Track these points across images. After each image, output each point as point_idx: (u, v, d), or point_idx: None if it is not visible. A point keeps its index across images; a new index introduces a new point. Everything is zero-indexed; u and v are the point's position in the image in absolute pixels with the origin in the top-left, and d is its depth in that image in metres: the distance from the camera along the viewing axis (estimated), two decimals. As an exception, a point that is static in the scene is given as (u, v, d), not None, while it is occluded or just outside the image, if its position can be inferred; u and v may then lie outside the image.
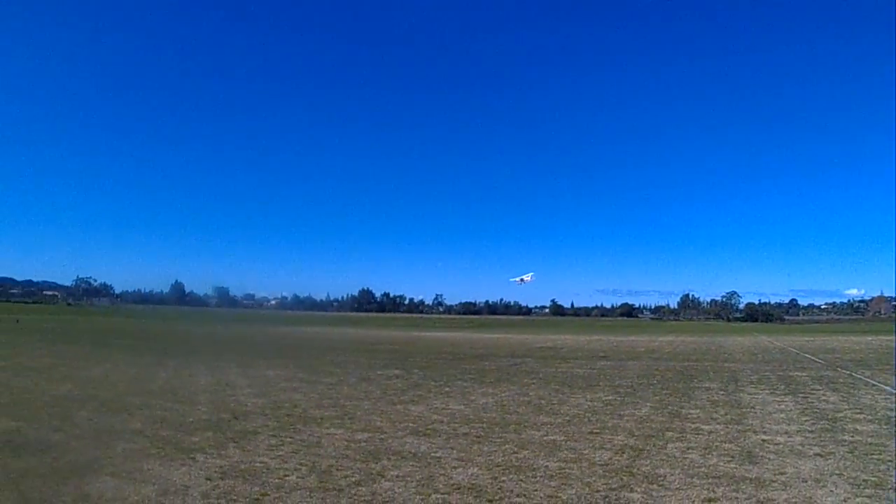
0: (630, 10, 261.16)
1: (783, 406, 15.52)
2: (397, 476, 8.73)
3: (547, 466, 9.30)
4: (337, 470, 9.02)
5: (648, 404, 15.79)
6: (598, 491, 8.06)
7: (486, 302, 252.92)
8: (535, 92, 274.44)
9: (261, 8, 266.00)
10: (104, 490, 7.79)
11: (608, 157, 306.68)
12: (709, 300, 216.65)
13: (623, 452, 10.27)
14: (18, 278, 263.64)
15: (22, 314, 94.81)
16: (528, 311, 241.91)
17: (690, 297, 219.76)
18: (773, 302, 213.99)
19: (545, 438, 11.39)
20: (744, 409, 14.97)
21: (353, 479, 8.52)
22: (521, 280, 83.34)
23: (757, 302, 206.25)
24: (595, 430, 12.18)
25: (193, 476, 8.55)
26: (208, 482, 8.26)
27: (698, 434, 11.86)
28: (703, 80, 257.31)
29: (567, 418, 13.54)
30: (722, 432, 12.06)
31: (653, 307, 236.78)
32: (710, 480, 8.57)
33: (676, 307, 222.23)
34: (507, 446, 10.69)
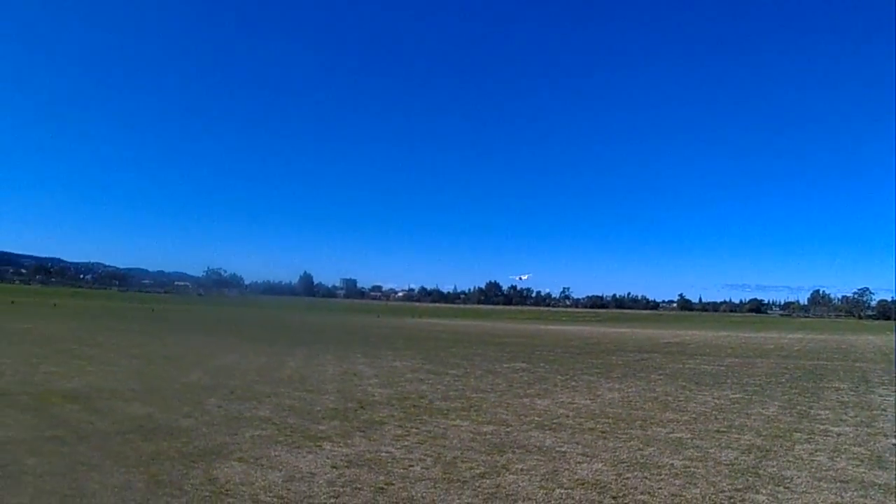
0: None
1: (917, 409, 15.47)
2: (521, 469, 9.30)
3: (672, 464, 9.75)
4: (462, 462, 9.68)
5: (776, 403, 16.24)
6: (722, 491, 8.39)
7: (614, 295, 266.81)
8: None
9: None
10: (231, 475, 8.67)
11: (734, 150, 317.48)
12: (840, 297, 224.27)
13: (749, 452, 10.66)
14: (150, 269, 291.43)
15: (154, 304, 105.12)
16: (655, 306, 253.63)
17: (821, 293, 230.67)
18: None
19: (671, 436, 11.93)
20: (874, 412, 15.23)
21: (478, 472, 9.12)
22: (520, 279, 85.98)
23: (890, 299, 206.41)
24: (721, 429, 12.67)
25: (319, 464, 9.35)
26: (334, 470, 9.02)
27: (827, 436, 12.18)
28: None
29: (693, 416, 14.27)
30: (851, 435, 12.33)
31: (782, 303, 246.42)
32: (837, 485, 8.76)
33: (806, 303, 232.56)
34: (632, 443, 11.26)
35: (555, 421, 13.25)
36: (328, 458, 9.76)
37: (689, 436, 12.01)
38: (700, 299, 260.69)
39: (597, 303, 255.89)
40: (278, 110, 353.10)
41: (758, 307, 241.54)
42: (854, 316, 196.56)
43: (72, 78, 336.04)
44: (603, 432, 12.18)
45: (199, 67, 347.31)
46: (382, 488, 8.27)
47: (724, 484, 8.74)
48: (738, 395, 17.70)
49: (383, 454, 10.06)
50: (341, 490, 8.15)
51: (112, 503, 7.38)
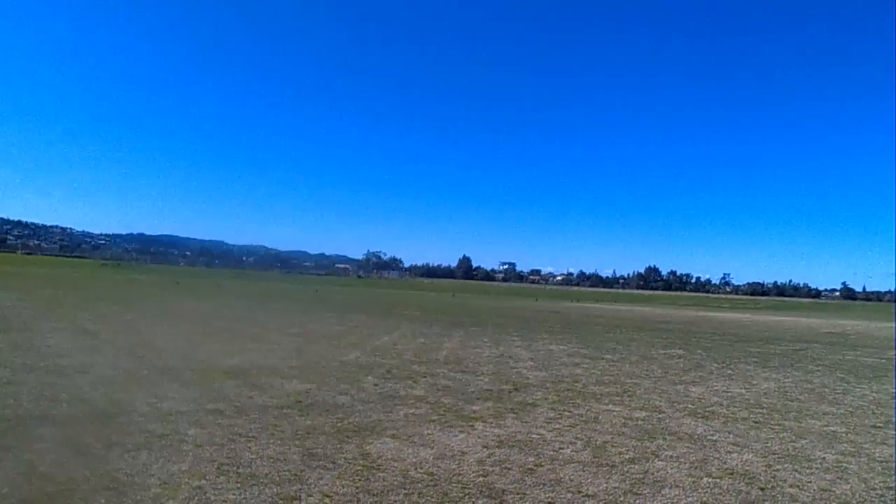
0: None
1: None
2: (671, 456, 9.43)
3: (824, 458, 9.73)
4: (612, 446, 9.89)
5: None
6: (874, 489, 8.31)
7: (774, 283, 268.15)
8: None
9: None
10: (384, 450, 9.09)
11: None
12: None
13: None
14: (311, 252, 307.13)
15: (315, 286, 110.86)
16: (817, 294, 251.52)
17: None
18: None
19: (825, 429, 11.90)
20: None
21: (627, 457, 9.30)
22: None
23: None
24: (878, 424, 12.52)
25: (470, 443, 9.67)
26: (485, 450, 9.32)
27: None
28: None
29: (850, 409, 14.25)
30: None
31: None
32: None
33: None
34: (784, 434, 11.28)
35: (708, 409, 13.43)
36: (479, 437, 10.07)
37: (843, 430, 11.91)
38: (864, 288, 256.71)
39: (757, 290, 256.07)
40: (438, 96, 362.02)
41: None
42: None
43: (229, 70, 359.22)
44: (756, 422, 12.26)
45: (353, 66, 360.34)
46: (531, 469, 8.49)
47: (877, 481, 8.65)
48: None
49: (534, 436, 10.33)
50: (490, 469, 8.40)
51: (266, 473, 7.90)
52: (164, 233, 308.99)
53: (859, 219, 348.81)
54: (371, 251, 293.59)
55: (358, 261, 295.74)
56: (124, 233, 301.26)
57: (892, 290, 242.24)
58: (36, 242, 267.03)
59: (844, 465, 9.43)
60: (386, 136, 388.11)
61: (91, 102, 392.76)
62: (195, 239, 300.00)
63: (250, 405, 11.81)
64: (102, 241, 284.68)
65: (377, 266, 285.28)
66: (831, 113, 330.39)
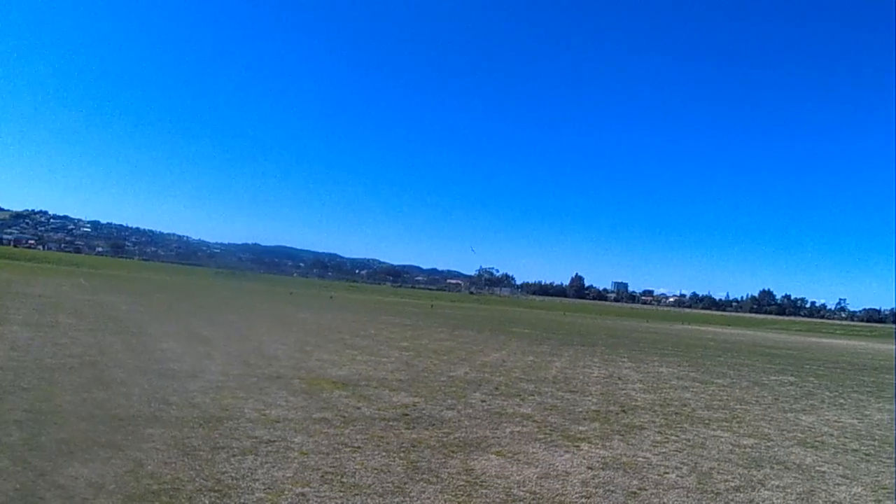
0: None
1: None
2: (777, 486, 9.26)
3: None
4: (718, 473, 9.73)
5: None
6: None
7: (892, 310, 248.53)
8: None
9: None
10: (488, 467, 9.08)
11: None
12: None
13: None
14: (424, 266, 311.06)
15: (428, 300, 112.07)
16: None
17: None
18: None
19: None
20: None
21: (733, 485, 9.13)
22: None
23: None
24: None
25: (575, 463, 9.61)
26: (589, 471, 9.25)
27: None
28: None
29: None
30: None
31: None
32: None
33: None
34: None
35: (818, 439, 13.14)
36: (584, 458, 10.00)
37: None
38: None
39: (874, 316, 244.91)
40: (557, 112, 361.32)
41: None
42: None
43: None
44: (867, 454, 11.98)
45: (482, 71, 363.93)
46: (635, 493, 8.40)
47: None
48: None
49: (640, 459, 10.23)
50: (593, 491, 8.34)
51: (369, 483, 8.00)
52: (279, 244, 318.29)
53: None
54: (483, 267, 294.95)
55: (470, 276, 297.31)
56: (239, 242, 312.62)
57: None
58: (153, 249, 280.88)
59: (958, 504, 8.99)
60: (500, 153, 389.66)
61: (211, 110, 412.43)
62: (309, 251, 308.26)
63: (357, 416, 11.99)
64: (217, 250, 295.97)
65: (489, 282, 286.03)
66: None
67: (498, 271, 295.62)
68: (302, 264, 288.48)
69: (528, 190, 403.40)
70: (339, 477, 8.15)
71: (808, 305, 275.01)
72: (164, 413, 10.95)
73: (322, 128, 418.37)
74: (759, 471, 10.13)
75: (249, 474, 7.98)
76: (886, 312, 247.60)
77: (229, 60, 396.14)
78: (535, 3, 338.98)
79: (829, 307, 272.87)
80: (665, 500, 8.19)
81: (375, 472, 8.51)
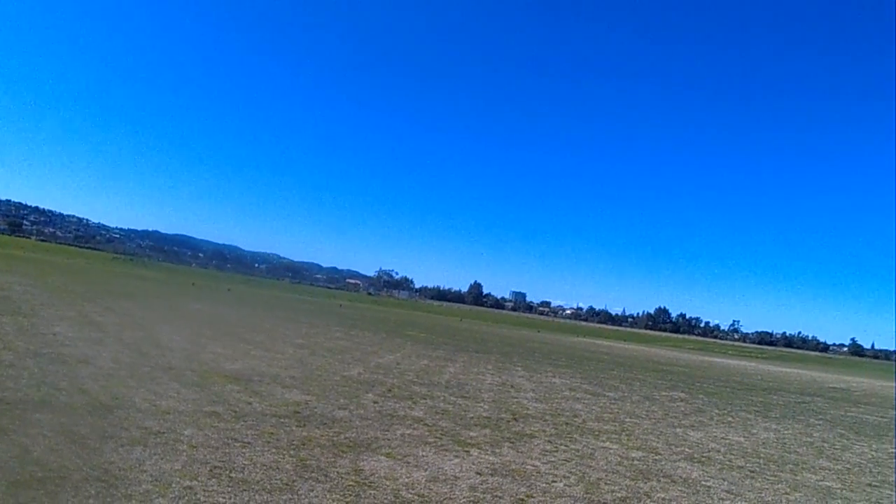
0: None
1: None
2: (663, 499, 9.48)
3: None
4: (605, 483, 9.90)
5: None
6: None
7: (784, 333, 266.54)
8: None
9: None
10: (378, 468, 9.08)
11: None
12: None
13: None
14: (324, 264, 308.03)
15: (326, 299, 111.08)
16: (825, 348, 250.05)
17: None
18: None
19: (820, 483, 12.00)
20: None
21: (619, 496, 9.32)
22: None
23: None
24: (874, 483, 12.61)
25: (464, 468, 9.67)
26: (478, 476, 9.34)
27: None
28: None
29: (847, 466, 14.40)
30: None
31: None
32: None
33: None
34: (779, 486, 11.36)
35: (705, 454, 13.47)
36: (474, 463, 10.08)
37: (839, 486, 11.98)
38: (873, 346, 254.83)
39: (765, 339, 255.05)
40: (458, 120, 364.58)
41: None
42: None
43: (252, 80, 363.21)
44: (751, 471, 12.34)
45: (381, 81, 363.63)
46: (522, 500, 8.51)
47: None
48: None
49: (528, 467, 10.34)
50: (481, 496, 8.42)
51: (258, 479, 7.91)
52: (179, 232, 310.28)
53: (873, 276, 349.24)
54: (383, 269, 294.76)
55: (369, 277, 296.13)
56: (139, 229, 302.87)
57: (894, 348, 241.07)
58: (51, 230, 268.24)
59: (836, 521, 9.35)
60: (404, 154, 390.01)
61: (117, 95, 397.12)
62: (209, 241, 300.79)
63: (248, 411, 11.83)
64: (117, 235, 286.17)
65: (388, 284, 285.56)
66: (854, 169, 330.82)
67: (398, 274, 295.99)
68: (201, 255, 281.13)
69: (430, 194, 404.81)
70: (227, 472, 8.04)
71: (702, 325, 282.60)
72: (53, 398, 10.60)
73: (226, 119, 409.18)
74: (645, 483, 10.34)
75: (137, 465, 7.80)
76: (777, 336, 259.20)
77: (137, 44, 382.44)
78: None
79: (722, 328, 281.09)
80: None
81: (264, 468, 8.42)
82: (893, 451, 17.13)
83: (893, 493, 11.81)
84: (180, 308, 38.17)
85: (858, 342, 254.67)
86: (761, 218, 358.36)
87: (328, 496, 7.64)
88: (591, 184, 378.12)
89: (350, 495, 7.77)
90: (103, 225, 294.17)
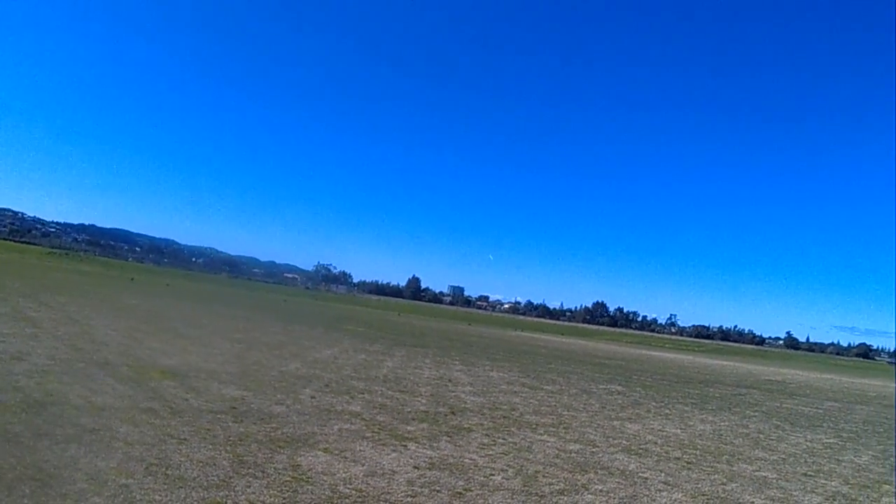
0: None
1: None
2: (601, 490, 9.52)
3: (752, 503, 9.91)
4: (543, 476, 9.93)
5: (870, 453, 16.27)
6: None
7: (720, 327, 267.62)
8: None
9: None
10: (315, 463, 9.02)
11: (855, 195, 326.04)
12: None
13: (834, 500, 10.77)
14: (262, 259, 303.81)
15: (263, 293, 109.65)
16: (761, 341, 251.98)
17: None
18: None
19: (756, 474, 12.09)
20: None
21: (557, 488, 9.35)
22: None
23: None
24: (809, 473, 12.79)
25: (402, 463, 9.65)
26: (415, 470, 9.32)
27: None
28: None
29: (783, 456, 14.47)
30: None
31: (892, 350, 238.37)
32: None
33: None
34: (716, 476, 11.43)
35: (642, 446, 13.51)
36: (411, 458, 10.05)
37: (774, 476, 12.11)
38: (808, 339, 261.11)
39: (702, 333, 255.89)
40: (395, 112, 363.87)
41: (865, 352, 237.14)
42: None
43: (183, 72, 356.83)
44: (688, 463, 12.41)
45: (324, 73, 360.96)
46: (460, 493, 8.50)
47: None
48: (831, 440, 17.79)
49: (466, 461, 10.32)
50: (419, 490, 8.40)
51: (194, 476, 7.79)
52: (116, 226, 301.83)
53: (807, 270, 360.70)
54: (321, 263, 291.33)
55: (307, 272, 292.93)
56: (76, 222, 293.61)
57: (835, 342, 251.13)
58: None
59: (772, 510, 9.44)
60: (341, 147, 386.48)
61: (51, 87, 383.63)
62: (146, 235, 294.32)
63: (185, 407, 11.64)
64: (53, 229, 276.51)
65: (326, 279, 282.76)
66: (787, 165, 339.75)
67: (336, 268, 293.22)
68: (138, 249, 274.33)
69: (368, 189, 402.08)
70: (163, 469, 7.90)
71: (639, 319, 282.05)
72: (-18, 397, 10.22)
73: (161, 112, 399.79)
74: (583, 475, 10.36)
75: (72, 463, 7.62)
76: (714, 329, 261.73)
77: (66, 35, 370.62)
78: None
79: (659, 322, 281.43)
80: (490, 502, 8.31)
81: (201, 465, 8.30)
82: (827, 441, 17.46)
83: (827, 483, 11.94)
84: (117, 303, 37.25)
85: (794, 335, 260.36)
86: (697, 213, 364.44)
87: (265, 492, 7.56)
88: (527, 179, 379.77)
89: (287, 491, 7.70)
90: (39, 219, 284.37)
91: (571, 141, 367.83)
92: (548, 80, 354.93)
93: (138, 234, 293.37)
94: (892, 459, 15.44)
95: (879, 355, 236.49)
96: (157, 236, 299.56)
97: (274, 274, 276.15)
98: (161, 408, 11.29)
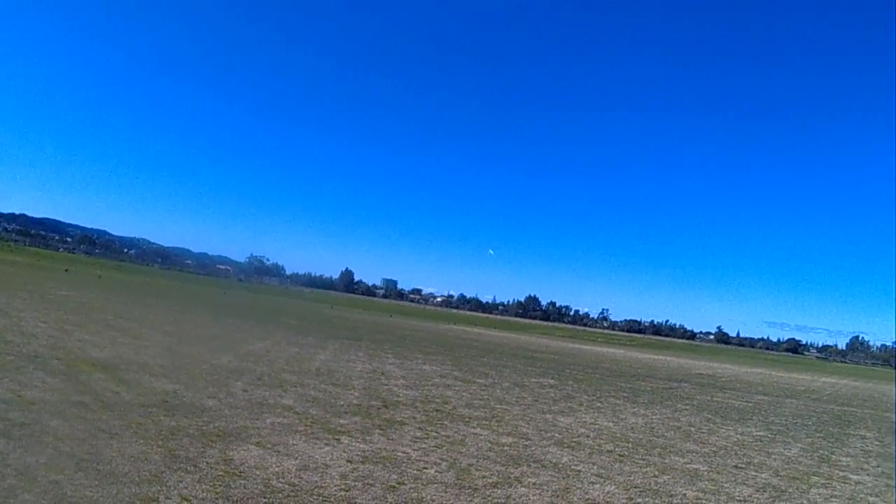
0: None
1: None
2: (534, 484, 9.48)
3: (684, 494, 9.92)
4: (476, 470, 9.87)
5: (799, 445, 16.50)
6: None
7: (652, 322, 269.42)
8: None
9: None
10: (248, 458, 8.88)
11: (782, 190, 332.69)
12: (879, 345, 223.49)
13: (764, 491, 10.81)
14: (194, 250, 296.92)
15: (196, 285, 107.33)
16: (692, 336, 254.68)
17: (860, 339, 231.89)
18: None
19: (688, 466, 12.13)
20: None
21: (490, 481, 9.31)
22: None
23: None
24: (740, 465, 12.86)
25: (335, 456, 9.56)
26: (349, 464, 9.24)
27: (845, 483, 12.37)
28: None
29: (714, 449, 14.47)
30: (870, 484, 12.50)
31: (820, 346, 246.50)
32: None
33: (844, 349, 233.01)
34: (648, 469, 11.45)
35: (574, 440, 13.48)
36: (344, 451, 9.97)
37: (706, 468, 12.15)
38: (738, 334, 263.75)
39: (634, 327, 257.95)
40: (335, 110, 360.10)
41: (795, 347, 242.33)
42: (892, 366, 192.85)
43: (126, 59, 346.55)
44: (621, 455, 12.40)
45: (260, 66, 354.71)
46: (394, 487, 8.44)
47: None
48: (761, 433, 17.92)
49: (399, 454, 10.25)
50: (353, 484, 8.33)
51: (126, 472, 7.61)
52: (47, 216, 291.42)
53: (738, 265, 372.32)
54: (254, 255, 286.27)
55: (240, 264, 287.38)
56: (5, 212, 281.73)
57: (765, 337, 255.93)
58: None
59: (704, 502, 9.65)
60: (273, 138, 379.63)
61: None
62: (77, 225, 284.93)
63: (116, 401, 11.37)
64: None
65: (259, 271, 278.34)
66: (716, 159, 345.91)
67: (269, 260, 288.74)
68: (70, 239, 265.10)
69: (301, 180, 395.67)
70: (94, 464, 7.71)
71: (572, 313, 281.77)
72: None
73: (92, 102, 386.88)
74: (516, 468, 10.27)
75: (1, 459, 7.39)
76: (646, 324, 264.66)
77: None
78: None
79: (592, 316, 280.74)
80: (423, 495, 8.26)
81: (133, 459, 8.11)
82: (758, 434, 17.62)
83: (757, 475, 12.02)
84: (47, 294, 36.00)
85: (724, 330, 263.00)
86: (628, 208, 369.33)
87: (198, 487, 7.44)
88: (459, 172, 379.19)
89: (220, 486, 7.59)
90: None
91: (501, 135, 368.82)
92: (482, 70, 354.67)
93: (70, 225, 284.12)
94: (821, 452, 15.70)
95: (808, 350, 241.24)
96: (89, 227, 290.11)
97: (206, 265, 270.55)
98: (92, 401, 11.01)
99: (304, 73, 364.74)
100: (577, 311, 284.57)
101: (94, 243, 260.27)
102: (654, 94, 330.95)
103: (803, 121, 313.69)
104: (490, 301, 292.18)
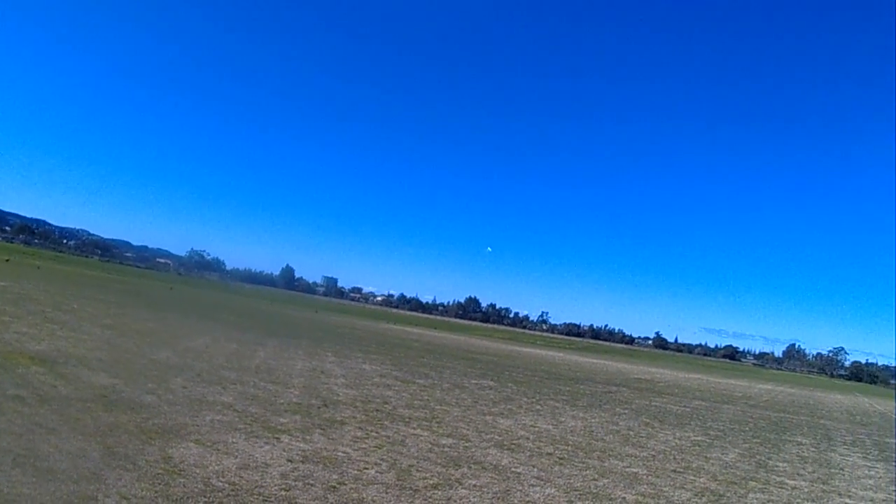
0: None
1: (874, 472, 16.12)
2: (474, 485, 9.44)
3: (624, 498, 9.95)
4: (416, 470, 9.80)
5: (736, 450, 16.62)
6: None
7: (591, 326, 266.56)
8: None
9: None
10: (187, 455, 8.72)
11: (722, 196, 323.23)
12: (814, 353, 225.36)
13: (702, 496, 10.87)
14: (134, 243, 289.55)
15: (136, 279, 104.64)
16: (630, 341, 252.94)
17: (796, 347, 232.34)
18: (880, 364, 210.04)
19: (627, 470, 12.14)
20: (832, 470, 15.65)
21: (431, 482, 9.25)
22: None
23: (864, 361, 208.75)
24: (678, 469, 12.88)
25: (275, 455, 9.42)
26: (289, 463, 9.11)
27: (781, 488, 12.47)
28: None
29: (652, 453, 14.43)
30: (806, 490, 12.65)
31: (756, 353, 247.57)
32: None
33: (780, 356, 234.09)
34: (587, 472, 11.45)
35: (514, 442, 13.40)
36: (284, 450, 9.84)
37: (645, 472, 12.16)
38: (676, 339, 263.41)
39: (573, 331, 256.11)
40: (278, 105, 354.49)
41: (732, 354, 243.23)
42: (826, 374, 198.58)
43: (90, 51, 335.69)
44: (560, 458, 12.33)
45: (206, 58, 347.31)
46: (334, 487, 8.35)
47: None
48: (699, 438, 18.02)
49: (340, 454, 10.14)
50: (293, 484, 8.23)
51: (64, 469, 7.40)
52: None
53: (676, 271, 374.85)
54: (194, 249, 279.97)
55: (180, 257, 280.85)
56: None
57: (703, 343, 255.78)
58: None
59: (643, 505, 9.65)
60: (217, 132, 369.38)
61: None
62: (16, 214, 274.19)
63: (54, 395, 11.04)
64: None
65: (199, 265, 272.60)
66: (657, 165, 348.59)
67: (209, 254, 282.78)
68: (8, 228, 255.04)
69: (242, 174, 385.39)
70: (31, 461, 7.48)
71: (511, 315, 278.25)
72: None
73: (28, 85, 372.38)
74: (457, 470, 10.20)
75: (-69, 456, 7.05)
76: (585, 328, 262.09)
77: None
78: None
79: (531, 318, 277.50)
80: (364, 496, 8.18)
81: (71, 456, 7.90)
82: (696, 439, 17.68)
83: (696, 479, 12.02)
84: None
85: (663, 336, 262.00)
86: (569, 211, 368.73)
87: (137, 485, 7.27)
88: (402, 172, 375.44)
89: (159, 484, 7.43)
90: None
91: (445, 137, 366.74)
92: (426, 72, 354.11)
93: (8, 213, 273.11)
94: (758, 458, 15.86)
95: (745, 357, 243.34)
96: (28, 216, 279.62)
97: (146, 259, 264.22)
98: (29, 395, 10.67)
99: (247, 67, 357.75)
100: (516, 314, 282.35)
101: (33, 233, 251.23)
102: (595, 102, 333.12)
103: (749, 126, 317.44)
104: (430, 301, 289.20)
